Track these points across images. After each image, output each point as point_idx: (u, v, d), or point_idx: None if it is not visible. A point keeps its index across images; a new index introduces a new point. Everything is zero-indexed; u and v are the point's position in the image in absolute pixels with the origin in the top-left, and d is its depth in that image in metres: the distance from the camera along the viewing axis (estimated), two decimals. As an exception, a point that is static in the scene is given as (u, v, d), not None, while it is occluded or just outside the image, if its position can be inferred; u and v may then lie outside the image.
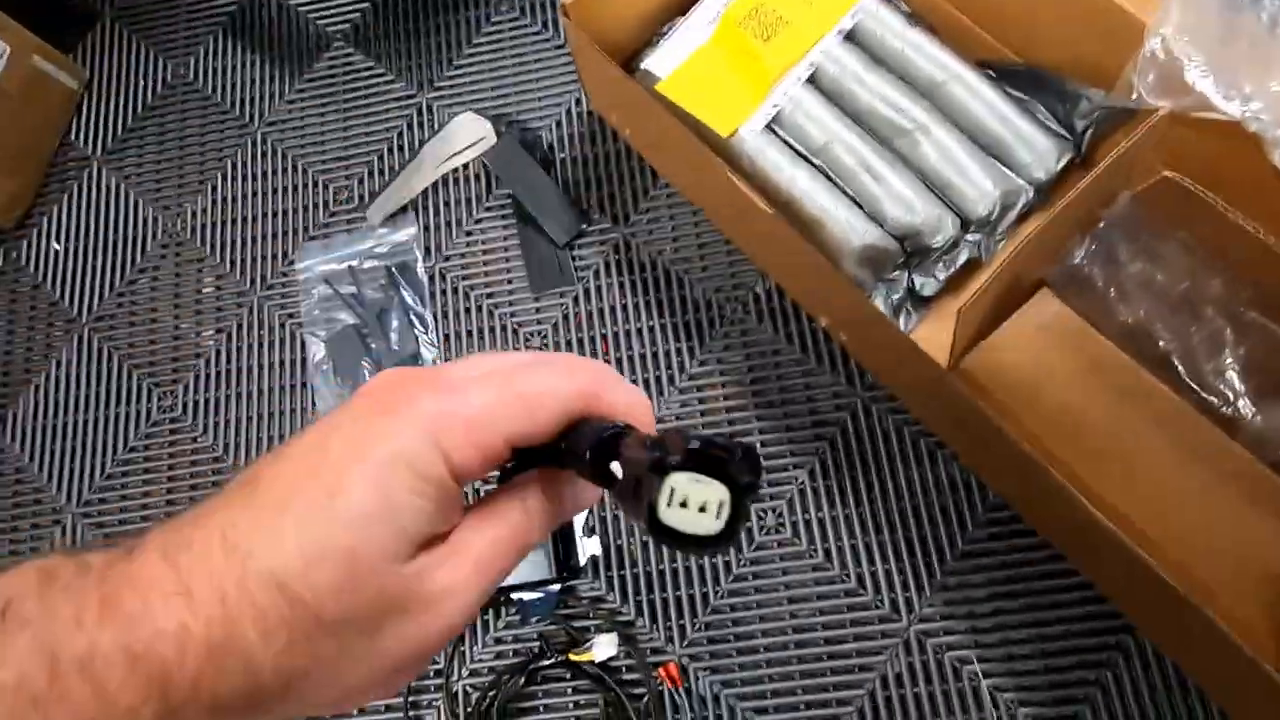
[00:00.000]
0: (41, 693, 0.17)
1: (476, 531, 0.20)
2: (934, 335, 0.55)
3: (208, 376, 0.68)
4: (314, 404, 0.66)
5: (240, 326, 0.69)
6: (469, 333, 0.66)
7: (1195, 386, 0.48)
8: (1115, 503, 0.45)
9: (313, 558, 0.18)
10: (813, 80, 0.63)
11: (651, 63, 0.65)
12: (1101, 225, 0.49)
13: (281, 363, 0.68)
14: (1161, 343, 0.48)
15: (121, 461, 0.67)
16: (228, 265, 0.71)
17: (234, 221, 0.72)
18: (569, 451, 0.21)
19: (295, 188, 0.72)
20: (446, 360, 0.66)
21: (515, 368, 0.21)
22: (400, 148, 0.72)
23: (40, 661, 0.17)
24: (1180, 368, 0.47)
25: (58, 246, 0.74)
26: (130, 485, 0.67)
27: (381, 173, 0.72)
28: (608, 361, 0.63)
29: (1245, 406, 0.48)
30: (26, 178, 0.75)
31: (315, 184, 0.72)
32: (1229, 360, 0.49)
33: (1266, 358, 0.49)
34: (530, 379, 0.20)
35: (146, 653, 0.17)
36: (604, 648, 0.56)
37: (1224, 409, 0.48)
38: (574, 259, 0.67)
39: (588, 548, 0.59)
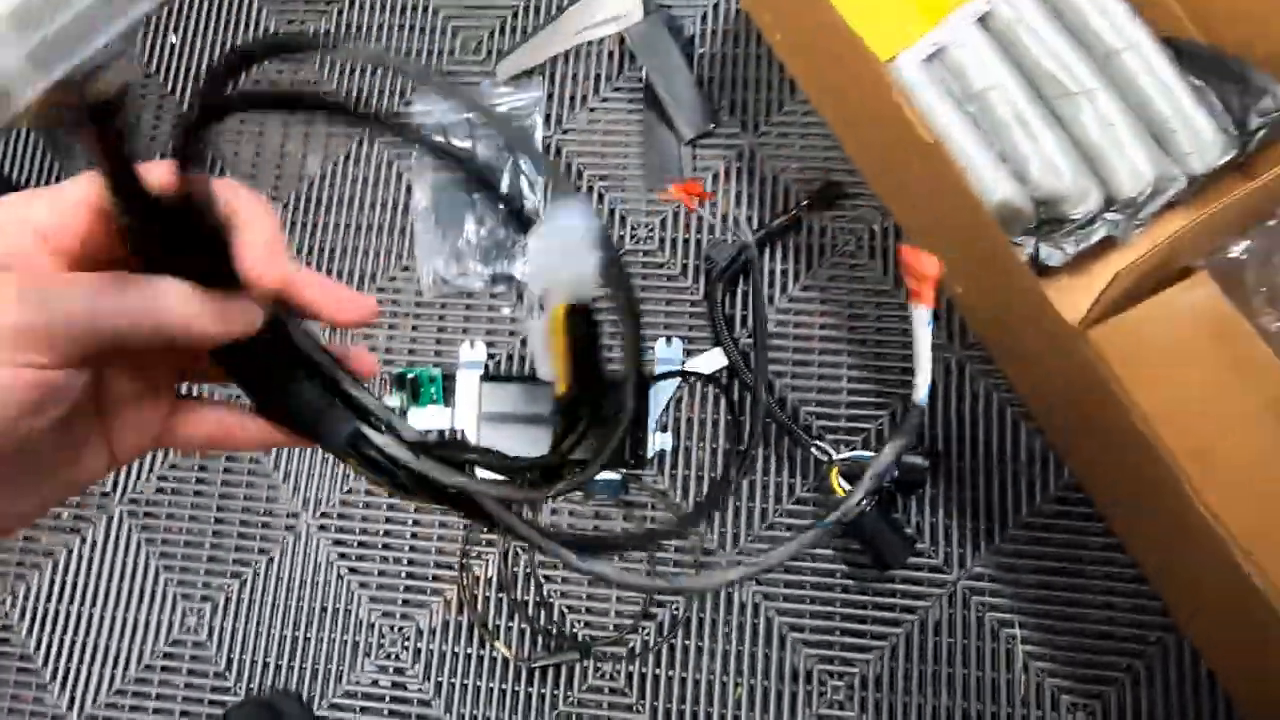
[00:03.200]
0: None
1: None
2: (1055, 303, 0.54)
3: (308, 199, 0.68)
4: (411, 249, 0.66)
5: (349, 156, 0.69)
6: (576, 211, 0.65)
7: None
8: (1214, 497, 0.45)
9: None
10: (984, 21, 0.60)
11: (821, -32, 0.62)
12: (1272, 224, 0.47)
13: (384, 203, 0.67)
14: (1298, 355, 0.47)
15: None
16: (343, 93, 0.70)
17: (357, 51, 0.71)
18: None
19: (423, 29, 0.70)
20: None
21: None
22: (537, 8, 0.70)
23: None
24: (1309, 385, 0.47)
25: (174, 39, 0.73)
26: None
27: (513, 30, 0.69)
28: (709, 263, 0.62)
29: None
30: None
31: (444, 29, 0.70)
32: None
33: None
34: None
35: None
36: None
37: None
38: (695, 158, 0.65)
39: (658, 442, 0.60)
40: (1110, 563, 0.56)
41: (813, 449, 0.58)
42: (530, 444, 0.58)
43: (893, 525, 0.55)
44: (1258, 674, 0.48)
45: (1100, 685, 0.54)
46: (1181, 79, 0.59)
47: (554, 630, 0.58)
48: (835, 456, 0.57)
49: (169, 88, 0.72)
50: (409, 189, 0.67)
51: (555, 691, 0.57)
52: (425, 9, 0.71)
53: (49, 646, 0.61)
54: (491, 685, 0.58)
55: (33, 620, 0.62)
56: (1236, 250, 0.47)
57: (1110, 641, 0.55)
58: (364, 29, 0.71)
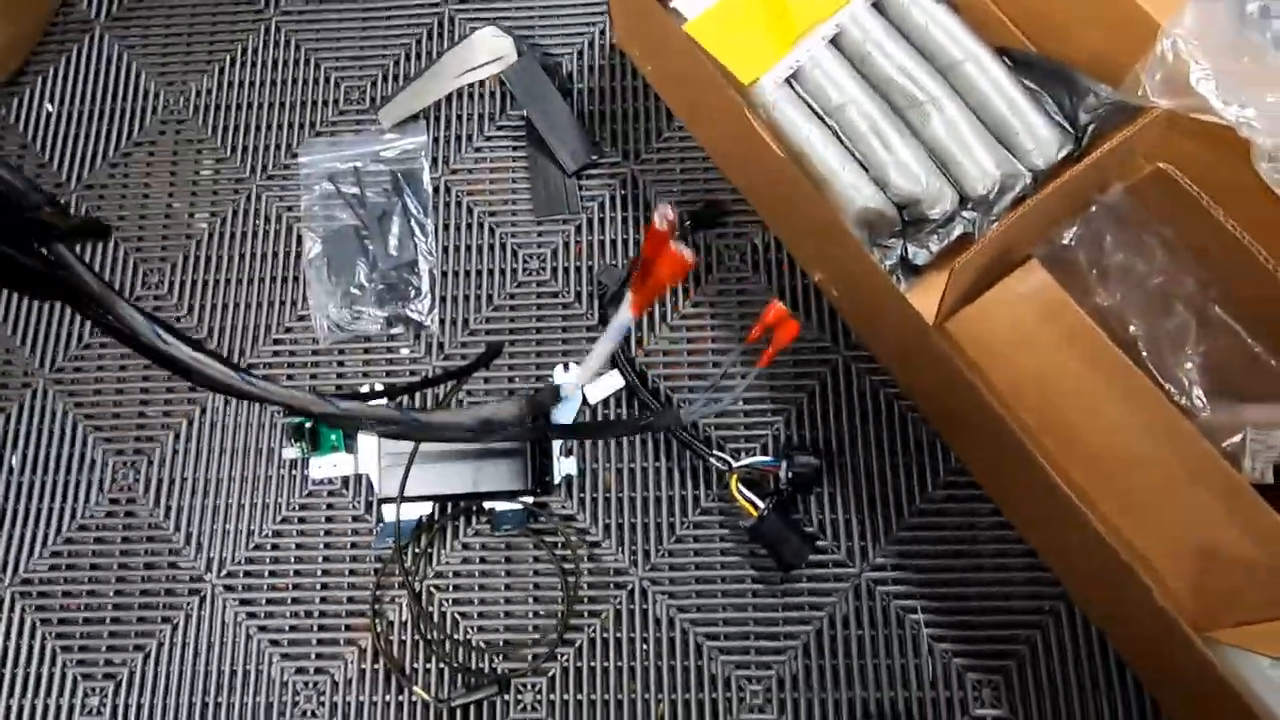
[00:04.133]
0: None
1: None
2: (921, 303, 0.57)
3: (198, 259, 0.68)
4: (305, 298, 0.66)
5: (236, 213, 0.69)
6: (469, 247, 0.67)
7: (1156, 374, 0.51)
8: (1069, 468, 0.48)
9: None
10: (835, 41, 0.65)
11: (681, 2, 0.66)
12: (1093, 209, 0.51)
13: (275, 254, 0.67)
14: (1132, 328, 0.50)
15: (99, 333, 0.66)
16: (228, 150, 0.70)
17: (239, 107, 0.71)
18: None
19: (306, 81, 0.71)
20: (444, 273, 0.66)
21: None
22: (418, 55, 0.71)
23: None
24: (1145, 354, 0.50)
25: (50, 108, 0.72)
26: (106, 359, 0.66)
27: (395, 78, 0.71)
28: (601, 288, 0.64)
29: (1198, 400, 0.52)
30: (21, 30, 0.72)
31: (328, 80, 0.71)
32: (1190, 354, 0.52)
33: (1224, 357, 0.52)
34: None
35: None
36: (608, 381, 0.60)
37: (1179, 399, 0.52)
38: (581, 188, 0.67)
39: (564, 466, 0.61)
40: (1001, 540, 0.58)
41: (713, 459, 0.59)
42: (432, 481, 0.59)
43: (793, 526, 0.57)
44: (1137, 633, 0.51)
45: (1002, 660, 0.57)
46: (1017, 84, 0.64)
47: (471, 666, 0.58)
48: (734, 464, 0.58)
49: (45, 157, 0.71)
50: (299, 239, 0.67)
51: (478, 729, 0.57)
52: (307, 62, 0.72)
53: (-62, 746, 0.58)
54: (413, 731, 0.57)
55: (-81, 720, 0.59)
56: (1068, 237, 0.51)
57: (1008, 616, 0.57)
58: (244, 85, 0.71)
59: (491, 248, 0.67)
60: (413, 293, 0.65)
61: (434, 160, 0.69)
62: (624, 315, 0.42)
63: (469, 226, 0.67)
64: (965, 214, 0.63)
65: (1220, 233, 0.48)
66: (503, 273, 0.66)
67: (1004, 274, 0.51)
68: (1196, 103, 0.49)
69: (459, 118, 0.70)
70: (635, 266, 0.42)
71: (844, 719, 0.56)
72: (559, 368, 0.63)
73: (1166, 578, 0.47)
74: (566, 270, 0.66)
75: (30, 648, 0.60)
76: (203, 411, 0.64)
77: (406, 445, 0.60)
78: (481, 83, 0.70)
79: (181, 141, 0.71)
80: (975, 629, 0.57)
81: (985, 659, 0.56)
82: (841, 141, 0.63)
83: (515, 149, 0.69)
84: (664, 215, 0.35)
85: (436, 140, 0.69)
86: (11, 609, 0.60)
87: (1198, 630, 0.45)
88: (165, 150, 0.70)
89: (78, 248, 0.31)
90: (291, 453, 0.61)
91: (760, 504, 0.56)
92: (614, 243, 0.66)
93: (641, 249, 0.39)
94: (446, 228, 0.67)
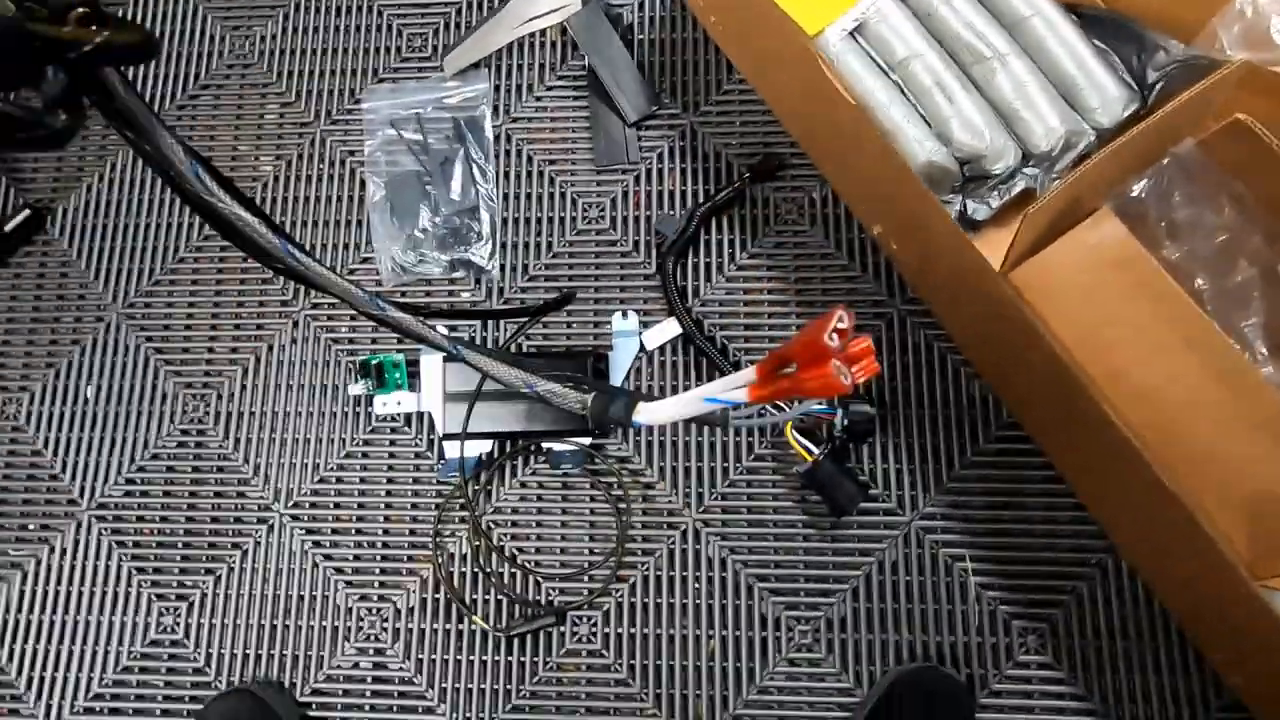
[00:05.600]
0: None
1: None
2: (984, 255, 0.58)
3: (263, 201, 0.69)
4: (369, 241, 0.67)
5: (300, 157, 0.70)
6: (528, 195, 0.68)
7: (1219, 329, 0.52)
8: (1129, 416, 0.48)
9: None
10: (902, -4, 0.64)
11: (747, -47, 0.65)
12: (1165, 162, 0.51)
13: (339, 198, 0.69)
14: (1197, 282, 0.51)
15: (169, 270, 0.68)
16: (293, 94, 0.71)
17: (304, 52, 0.72)
18: None
19: (370, 28, 0.72)
20: (505, 219, 0.67)
21: None
22: (480, 4, 0.72)
23: None
24: (1209, 308, 0.51)
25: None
26: (177, 295, 0.68)
27: (458, 26, 0.72)
28: (659, 237, 0.64)
29: (1260, 356, 0.52)
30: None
31: (390, 27, 0.72)
32: (1253, 311, 0.52)
33: (1287, 315, 0.52)
34: None
35: None
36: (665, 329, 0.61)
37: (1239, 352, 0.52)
38: (640, 139, 0.68)
39: (621, 410, 0.62)
40: (1050, 493, 0.59)
41: (769, 406, 0.60)
42: (492, 420, 0.60)
43: (847, 473, 0.58)
44: (1186, 583, 0.52)
45: (1048, 609, 0.58)
46: (1085, 41, 0.63)
47: (529, 598, 0.60)
48: (789, 412, 0.59)
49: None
50: (363, 183, 0.68)
51: (535, 658, 0.59)
52: (369, 9, 0.72)
53: (21, 656, 0.61)
54: (472, 658, 0.59)
55: (2, 632, 0.62)
56: (1137, 189, 0.51)
57: (1054, 567, 0.58)
58: (309, 31, 0.72)
59: (551, 196, 0.68)
60: (474, 238, 0.66)
61: (495, 108, 0.69)
62: (737, 392, 0.35)
63: (529, 175, 0.68)
64: (1027, 170, 0.63)
65: (1293, 188, 0.48)
66: (562, 221, 0.67)
67: (1070, 226, 0.51)
68: (1277, 55, 0.48)
69: (520, 67, 0.70)
70: (778, 359, 0.33)
71: (890, 661, 0.57)
72: (617, 314, 0.64)
73: (1223, 526, 0.48)
74: (625, 220, 0.67)
75: (107, 569, 0.62)
76: (269, 349, 0.66)
77: (468, 384, 0.62)
78: (543, 32, 0.70)
79: (247, 86, 0.72)
80: (1022, 579, 0.58)
81: (1031, 608, 0.58)
82: (905, 96, 0.63)
83: (576, 98, 0.69)
84: (838, 322, 0.29)
85: (498, 88, 0.70)
86: (89, 532, 0.63)
87: (1254, 578, 0.46)
88: (231, 94, 0.72)
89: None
90: (357, 389, 0.62)
91: (815, 450, 0.58)
92: (672, 194, 0.67)
93: (795, 342, 0.32)
94: (507, 175, 0.68)
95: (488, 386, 0.62)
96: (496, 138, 0.69)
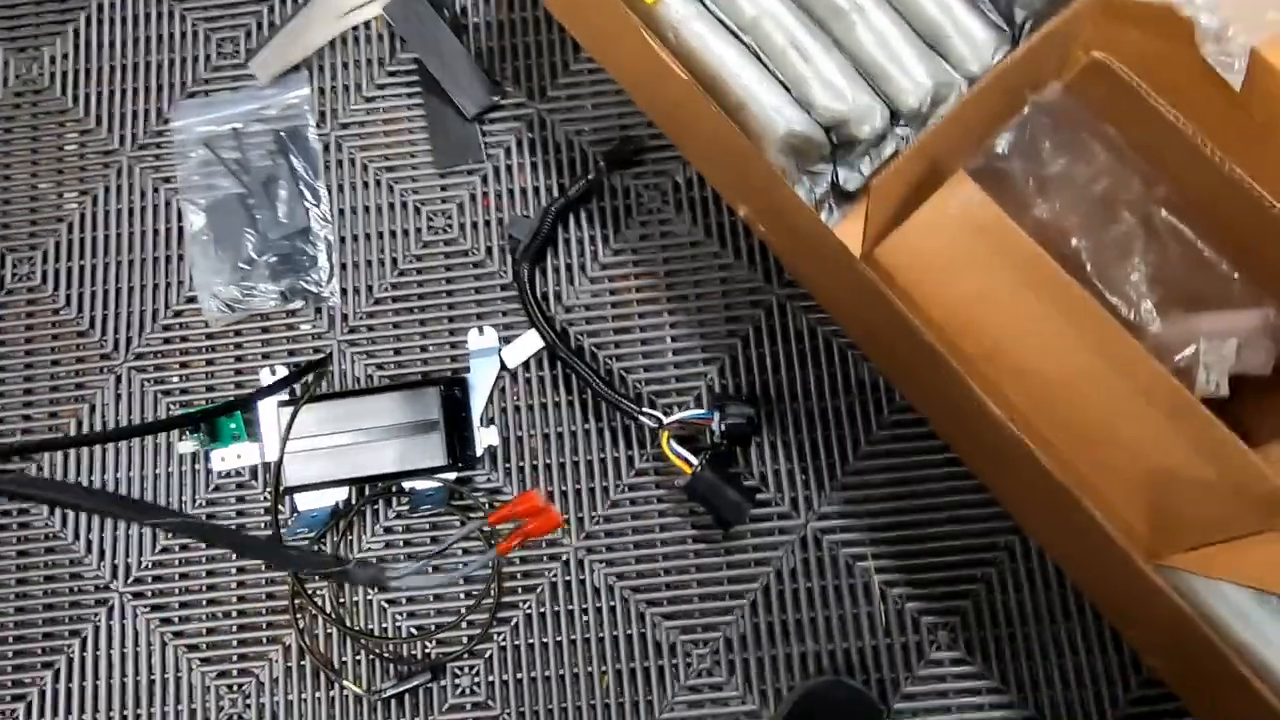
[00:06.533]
0: None
1: None
2: (853, 231, 0.53)
3: (71, 243, 0.62)
4: (191, 278, 0.60)
5: (108, 190, 0.62)
6: (366, 209, 0.61)
7: (1102, 289, 0.47)
8: (1012, 398, 0.44)
9: None
10: (748, -51, 0.58)
11: (575, -84, 0.59)
12: (1027, 111, 0.46)
13: (156, 231, 0.61)
14: (1074, 241, 0.46)
15: (-29, 332, 0.61)
16: (93, 120, 0.63)
17: (100, 71, 0.64)
18: None
19: (173, 36, 0.64)
20: (341, 238, 0.61)
21: None
22: (293, 0, 0.64)
23: None
24: (1089, 267, 0.47)
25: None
26: (-18, 359, 0.60)
27: (274, 24, 0.64)
28: (513, 242, 0.59)
29: (1148, 313, 0.48)
30: None
31: (196, 34, 0.64)
32: (1137, 265, 0.48)
33: (1173, 265, 0.48)
34: None
35: None
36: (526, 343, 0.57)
37: (1128, 314, 0.48)
38: (484, 134, 0.62)
39: (485, 438, 0.57)
40: (952, 477, 0.55)
41: (642, 417, 0.55)
42: (342, 465, 0.54)
43: (730, 480, 0.53)
44: (1090, 564, 0.49)
45: (958, 600, 0.54)
46: (948, -16, 0.58)
47: (403, 654, 0.55)
48: (665, 420, 0.55)
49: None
50: (179, 213, 0.61)
51: (415, 718, 0.54)
52: (171, 14, 0.65)
53: None
54: (348, 726, 0.54)
55: None
56: (1001, 144, 0.47)
57: (961, 555, 0.55)
58: (104, 46, 0.64)
59: (392, 207, 0.61)
60: (308, 262, 0.60)
61: (321, 115, 0.62)
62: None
63: (365, 185, 0.61)
64: (898, 130, 0.58)
65: (1164, 127, 0.44)
66: (406, 233, 0.61)
67: (931, 193, 0.46)
68: (1134, -16, 0.44)
69: (344, 65, 0.63)
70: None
71: (795, 675, 0.54)
72: (473, 331, 0.58)
73: (1118, 506, 0.45)
74: (475, 225, 0.61)
75: (-69, 675, 0.56)
76: (92, 409, 0.59)
77: (313, 430, 0.56)
78: (366, 24, 0.63)
79: (40, 114, 0.64)
80: (928, 571, 0.54)
81: (941, 600, 0.54)
82: (760, 60, 0.58)
83: (410, 96, 0.63)
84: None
85: (322, 92, 0.63)
86: (-95, 636, 0.56)
87: (1152, 558, 0.42)
88: (24, 125, 0.64)
89: None
90: (188, 446, 0.56)
91: (694, 461, 0.53)
92: (524, 191, 0.61)
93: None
94: (340, 189, 0.61)
95: (337, 428, 0.56)
96: (325, 147, 0.62)
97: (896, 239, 0.44)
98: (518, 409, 0.58)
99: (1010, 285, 0.42)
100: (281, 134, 0.61)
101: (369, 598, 0.56)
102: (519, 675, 0.54)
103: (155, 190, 0.62)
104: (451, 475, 0.55)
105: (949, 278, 0.44)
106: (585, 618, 0.55)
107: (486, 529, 0.54)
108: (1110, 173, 0.47)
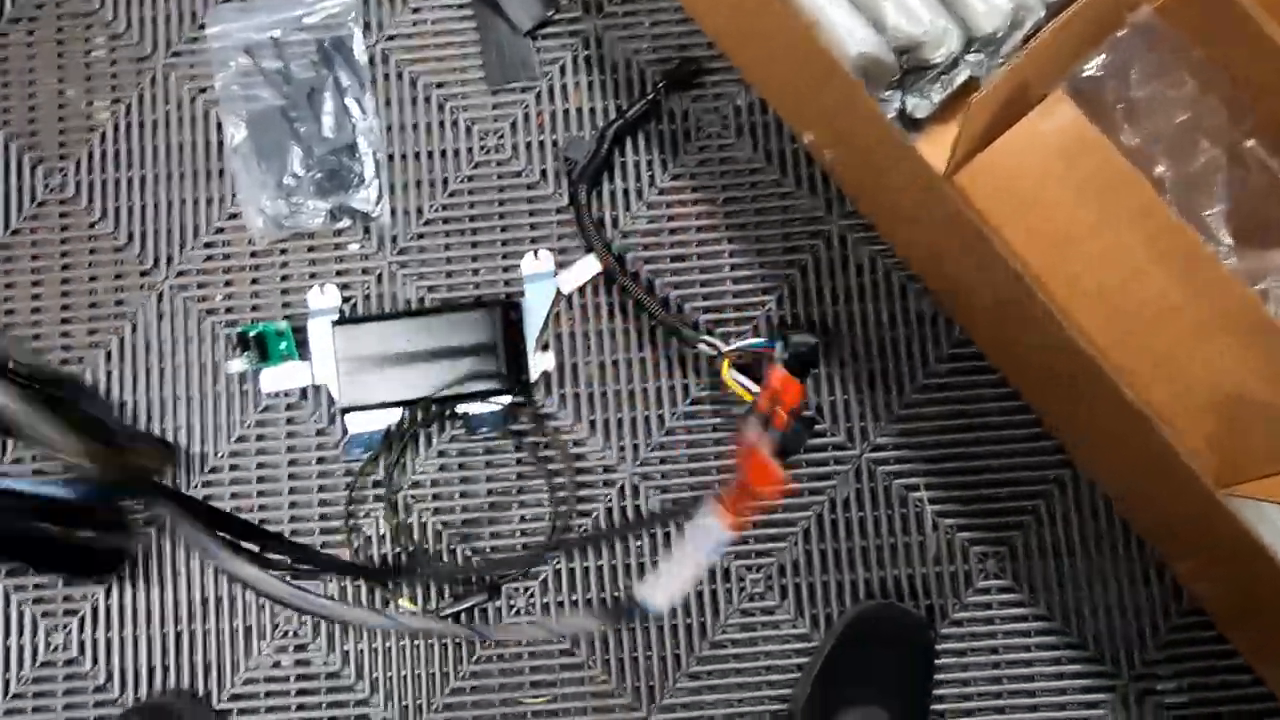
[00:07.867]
0: None
1: None
2: (928, 157, 0.52)
3: (104, 155, 0.59)
4: (234, 193, 0.58)
5: (141, 99, 0.60)
6: (414, 126, 0.59)
7: (1182, 218, 0.47)
8: (1086, 322, 0.44)
9: None
10: None
11: None
12: (1121, 34, 0.45)
13: (194, 144, 0.59)
14: (1158, 169, 0.46)
15: (2, 245, 0.59)
16: (123, 23, 0.60)
17: (129, -30, 0.60)
18: None
19: (205, -65, 0.61)
20: (390, 156, 0.59)
21: None
22: (334, -102, 0.61)
23: None
24: (1169, 196, 0.46)
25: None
26: (16, 271, 0.58)
27: (312, -73, 0.61)
28: (569, 164, 0.57)
29: (1225, 245, 0.48)
30: None
31: (230, -66, 0.61)
32: (1218, 196, 0.48)
33: (1255, 198, 0.48)
34: None
35: None
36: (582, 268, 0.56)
37: (1205, 245, 0.48)
38: (538, 50, 0.59)
39: (540, 363, 0.56)
40: (1005, 411, 0.56)
41: (700, 344, 0.55)
42: (396, 386, 0.54)
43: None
44: (1150, 497, 0.49)
45: (1007, 531, 0.55)
46: (1029, -100, 0.56)
47: (458, 575, 0.55)
48: (724, 349, 0.54)
49: (-94, 41, 0.60)
50: (219, 125, 0.59)
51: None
52: (203, -88, 0.61)
53: (-104, 695, 0.55)
54: (402, 644, 0.54)
55: None
56: (1091, 67, 0.45)
57: (1012, 488, 0.55)
58: (132, -57, 0.61)
59: (442, 125, 0.59)
60: (356, 180, 0.58)
61: (366, 25, 0.60)
62: (720, 534, 0.39)
63: (414, 102, 0.59)
64: (970, 57, 0.56)
65: (1261, 45, 0.42)
66: (456, 153, 0.59)
67: (1021, 116, 0.45)
68: (1244, -102, 0.42)
69: (390, -28, 0.60)
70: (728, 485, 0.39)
71: (847, 601, 0.54)
72: (528, 255, 0.57)
73: (1186, 434, 0.45)
74: (529, 146, 0.59)
75: (-21, 589, 0.55)
76: (133, 328, 0.58)
77: (365, 349, 0.55)
78: (412, -72, 0.60)
79: (66, 16, 0.60)
80: (979, 503, 0.55)
81: (991, 531, 0.55)
82: (831, -22, 0.55)
83: (461, 7, 0.60)
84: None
85: (367, 1, 0.60)
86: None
87: (1220, 486, 0.43)
88: (47, 28, 0.60)
89: None
90: (237, 365, 0.55)
91: (754, 389, 0.52)
92: (579, 111, 0.59)
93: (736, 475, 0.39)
94: (388, 104, 0.59)
95: (389, 349, 0.55)
96: (371, 60, 0.59)
97: (984, 160, 0.44)
98: (572, 335, 0.57)
99: (1099, 209, 0.42)
100: (325, 44, 0.58)
101: (422, 520, 0.56)
102: (573, 597, 0.55)
103: (192, 100, 0.59)
104: (507, 399, 0.55)
105: (1032, 202, 0.44)
106: (639, 543, 0.55)
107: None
108: (1198, 100, 0.46)
